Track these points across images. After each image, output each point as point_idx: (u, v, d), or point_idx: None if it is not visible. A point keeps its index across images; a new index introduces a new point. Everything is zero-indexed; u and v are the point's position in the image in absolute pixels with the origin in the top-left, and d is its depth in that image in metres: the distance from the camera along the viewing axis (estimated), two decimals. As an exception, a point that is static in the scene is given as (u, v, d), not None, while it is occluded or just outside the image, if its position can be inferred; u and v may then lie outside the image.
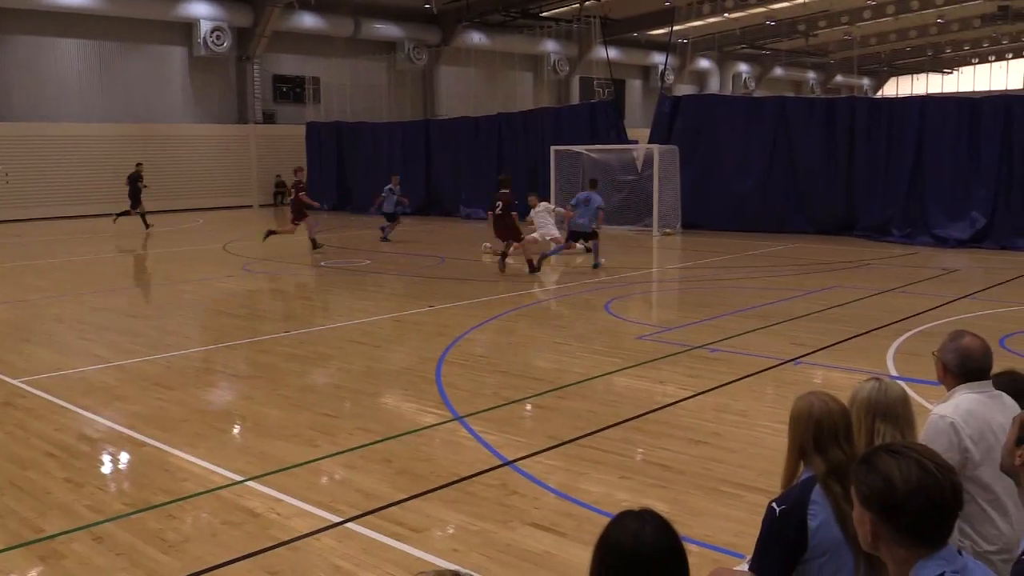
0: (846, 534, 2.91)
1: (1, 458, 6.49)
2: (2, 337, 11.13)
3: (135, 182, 25.56)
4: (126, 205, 25.55)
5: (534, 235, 16.96)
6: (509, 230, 16.31)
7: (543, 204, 17.93)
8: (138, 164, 26.38)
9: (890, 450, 2.16)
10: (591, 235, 16.74)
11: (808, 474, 3.12)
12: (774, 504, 3.08)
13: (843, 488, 2.96)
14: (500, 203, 16.33)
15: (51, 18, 30.03)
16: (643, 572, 2.08)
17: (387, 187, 22.57)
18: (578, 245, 17.45)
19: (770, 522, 3.04)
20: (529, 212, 17.59)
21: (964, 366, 3.63)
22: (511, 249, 16.25)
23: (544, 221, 17.50)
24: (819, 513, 2.97)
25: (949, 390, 3.68)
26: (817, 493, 3.01)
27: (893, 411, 3.30)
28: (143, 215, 25.53)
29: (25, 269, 17.26)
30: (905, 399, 3.39)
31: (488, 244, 18.39)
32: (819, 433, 3.10)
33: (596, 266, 16.55)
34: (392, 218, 22.27)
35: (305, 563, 4.78)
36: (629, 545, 2.09)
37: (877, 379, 3.44)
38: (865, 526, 2.13)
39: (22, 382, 8.65)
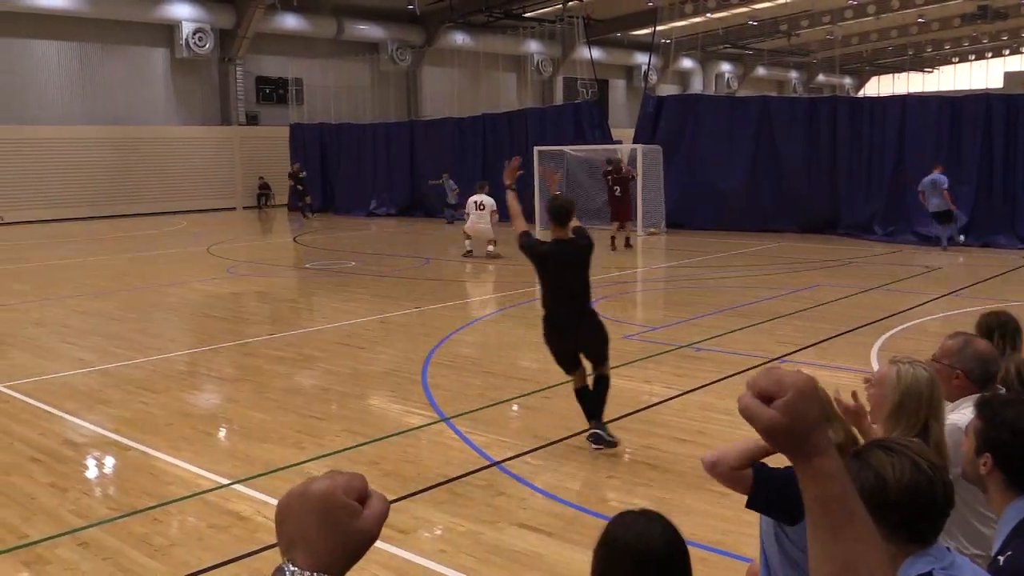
0: None
1: (-16, 464, 6.44)
2: (-16, 342, 11.05)
3: (304, 182, 29.85)
4: (110, 209, 25.45)
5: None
6: (626, 210, 19.10)
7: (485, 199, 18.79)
8: (294, 164, 30.87)
9: (884, 446, 2.17)
10: (947, 216, 17.84)
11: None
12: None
13: None
14: (618, 187, 18.99)
15: (30, 20, 29.79)
16: (651, 571, 2.07)
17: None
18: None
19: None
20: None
21: (987, 372, 3.48)
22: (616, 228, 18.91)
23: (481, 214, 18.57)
24: None
25: (955, 399, 3.47)
26: None
27: (938, 406, 3.13)
28: (309, 207, 30.03)
29: (6, 273, 17.13)
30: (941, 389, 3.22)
31: (468, 241, 18.41)
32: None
33: (944, 248, 17.94)
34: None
35: (292, 566, 4.76)
36: (635, 544, 2.08)
37: (925, 366, 3.19)
38: None
39: (5, 387, 8.59)
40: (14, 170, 29.40)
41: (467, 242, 18.43)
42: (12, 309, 13.28)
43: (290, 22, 35.51)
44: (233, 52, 34.44)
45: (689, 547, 2.33)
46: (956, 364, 3.52)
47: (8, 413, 7.74)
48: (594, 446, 6.39)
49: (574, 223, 6.62)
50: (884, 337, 9.97)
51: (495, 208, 18.32)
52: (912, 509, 2.06)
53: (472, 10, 37.88)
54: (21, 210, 29.26)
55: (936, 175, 17.79)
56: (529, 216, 24.49)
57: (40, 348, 10.54)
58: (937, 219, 18.11)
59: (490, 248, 18.07)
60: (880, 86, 64.83)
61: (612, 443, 6.37)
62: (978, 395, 3.31)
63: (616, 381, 6.99)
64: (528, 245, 6.53)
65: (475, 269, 17.20)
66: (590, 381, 6.63)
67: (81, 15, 30.60)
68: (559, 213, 6.51)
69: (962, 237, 18.37)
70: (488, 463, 6.25)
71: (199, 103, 34.61)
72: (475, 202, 18.56)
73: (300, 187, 29.58)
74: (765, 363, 8.94)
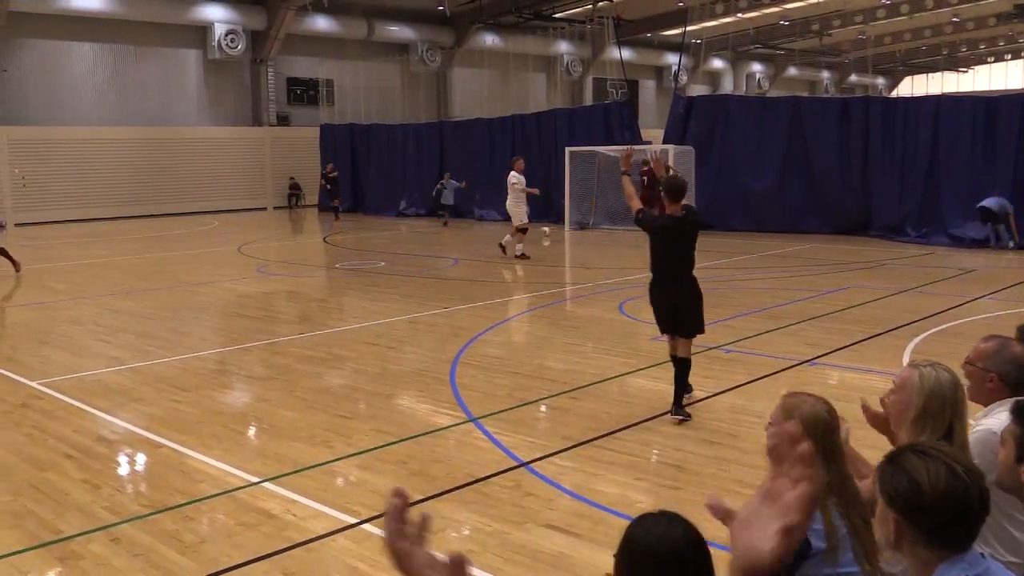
0: (829, 545, 2.73)
1: (19, 460, 6.53)
2: (19, 339, 11.22)
3: (335, 182, 29.66)
4: (142, 208, 25.78)
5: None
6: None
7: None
8: (328, 164, 30.70)
9: (917, 451, 2.14)
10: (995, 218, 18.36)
11: None
12: None
13: (842, 500, 2.77)
14: (646, 179, 19.66)
15: (66, 22, 30.22)
16: (675, 572, 2.05)
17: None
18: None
19: None
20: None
21: (1022, 376, 3.38)
22: None
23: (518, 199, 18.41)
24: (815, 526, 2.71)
25: (989, 404, 3.39)
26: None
27: (961, 409, 3.06)
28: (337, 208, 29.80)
29: (41, 272, 17.37)
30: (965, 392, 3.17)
31: (509, 236, 18.46)
32: (825, 444, 2.77)
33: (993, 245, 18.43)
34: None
35: (321, 564, 4.79)
36: (657, 547, 2.07)
37: (946, 368, 3.13)
38: (889, 525, 2.12)
39: (39, 384, 8.71)
40: (49, 170, 29.83)
41: (507, 237, 18.43)
42: (47, 307, 13.46)
43: (321, 23, 35.74)
44: (264, 53, 34.73)
45: (716, 550, 2.32)
46: (991, 367, 3.45)
47: (43, 410, 7.85)
48: (673, 417, 7.22)
49: (687, 201, 7.28)
50: (917, 340, 9.86)
51: (515, 182, 18.32)
52: (947, 515, 2.03)
53: (502, 11, 37.93)
54: (56, 209, 29.68)
55: (1002, 200, 18.17)
56: (560, 215, 24.54)
57: (74, 346, 10.68)
58: (986, 217, 18.24)
59: (519, 247, 18.04)
60: (914, 86, 64.12)
61: (686, 417, 7.19)
62: (1014, 399, 3.25)
63: (645, 383, 6.98)
64: (645, 219, 7.41)
65: (503, 270, 17.21)
66: (673, 360, 7.45)
67: (115, 17, 30.99)
68: (675, 190, 7.27)
69: (1012, 243, 18.15)
70: (516, 464, 6.25)
71: (231, 104, 34.93)
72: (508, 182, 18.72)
73: (330, 187, 29.77)
74: (795, 366, 8.88)
